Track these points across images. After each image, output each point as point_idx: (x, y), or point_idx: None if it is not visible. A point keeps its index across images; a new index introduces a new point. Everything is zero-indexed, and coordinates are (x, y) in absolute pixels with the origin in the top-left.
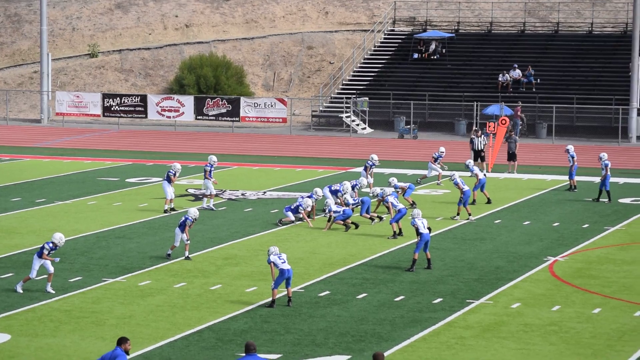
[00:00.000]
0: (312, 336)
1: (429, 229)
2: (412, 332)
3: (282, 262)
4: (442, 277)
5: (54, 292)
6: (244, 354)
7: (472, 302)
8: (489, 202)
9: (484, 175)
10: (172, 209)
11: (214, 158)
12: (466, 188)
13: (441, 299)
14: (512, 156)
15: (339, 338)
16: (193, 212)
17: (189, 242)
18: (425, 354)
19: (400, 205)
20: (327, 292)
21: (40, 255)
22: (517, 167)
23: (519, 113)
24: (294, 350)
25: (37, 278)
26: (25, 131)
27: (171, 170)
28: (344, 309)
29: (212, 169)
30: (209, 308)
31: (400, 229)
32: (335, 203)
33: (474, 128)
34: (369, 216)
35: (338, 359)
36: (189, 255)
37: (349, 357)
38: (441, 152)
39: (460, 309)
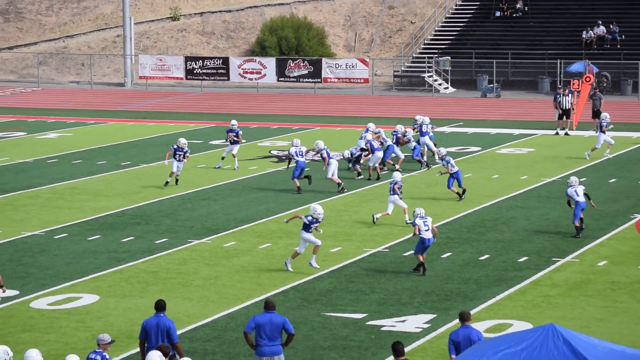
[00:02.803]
0: (398, 295)
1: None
2: (498, 290)
3: (426, 230)
4: (527, 235)
5: (318, 266)
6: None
7: (558, 261)
8: (460, 197)
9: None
10: (176, 182)
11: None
12: (456, 169)
13: (526, 258)
14: (596, 114)
15: (424, 297)
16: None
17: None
18: (511, 312)
19: (456, 168)
20: (412, 252)
21: (307, 229)
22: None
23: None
24: (379, 309)
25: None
26: (110, 95)
27: (174, 146)
28: (429, 268)
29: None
30: (294, 268)
31: (464, 190)
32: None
33: (559, 86)
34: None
35: (424, 318)
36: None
37: (435, 315)
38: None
39: (546, 267)
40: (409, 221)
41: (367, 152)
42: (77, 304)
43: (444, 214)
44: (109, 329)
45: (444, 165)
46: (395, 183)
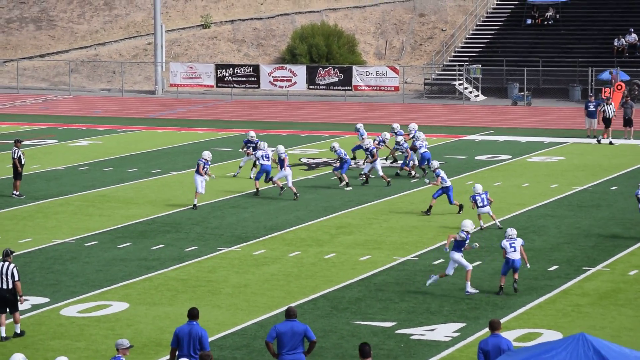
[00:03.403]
0: (427, 304)
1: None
2: (528, 299)
3: (513, 251)
4: (557, 244)
5: (474, 291)
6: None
7: (589, 270)
8: (460, 210)
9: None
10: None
11: (252, 133)
12: (448, 184)
13: (557, 267)
14: (628, 122)
15: (454, 306)
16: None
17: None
18: (541, 321)
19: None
20: (441, 260)
21: (459, 248)
22: (634, 133)
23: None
24: (408, 318)
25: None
26: (140, 102)
27: (201, 160)
28: (459, 276)
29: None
30: (323, 277)
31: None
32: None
33: (590, 94)
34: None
35: (453, 327)
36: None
37: (464, 324)
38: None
39: (577, 276)
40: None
41: (370, 158)
42: (107, 311)
43: (474, 222)
44: (138, 337)
45: (434, 177)
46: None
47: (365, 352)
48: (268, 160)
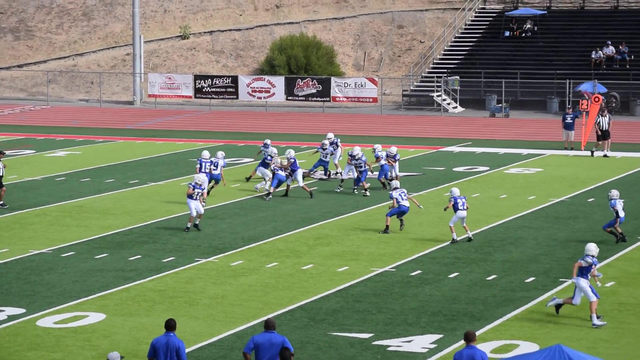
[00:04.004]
0: (404, 315)
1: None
2: (505, 311)
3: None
4: (535, 255)
5: (602, 324)
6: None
7: (565, 281)
8: (401, 226)
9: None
10: (195, 226)
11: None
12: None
13: (534, 278)
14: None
15: (431, 317)
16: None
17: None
18: (517, 332)
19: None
20: (419, 272)
21: (585, 274)
22: (610, 145)
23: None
24: (385, 329)
25: None
26: (118, 113)
27: (192, 183)
28: (436, 288)
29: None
30: (301, 288)
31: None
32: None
33: (567, 106)
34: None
35: (430, 338)
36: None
37: (441, 336)
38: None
39: (553, 287)
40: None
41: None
42: (83, 322)
43: (450, 234)
44: (115, 348)
45: (390, 198)
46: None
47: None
48: (216, 169)
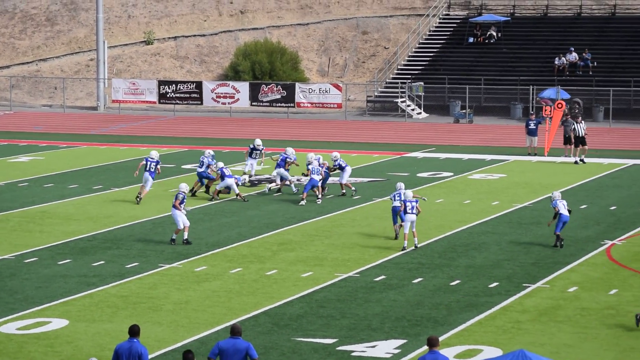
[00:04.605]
0: (368, 321)
1: None
2: (468, 316)
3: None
4: (498, 261)
5: None
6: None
7: (529, 286)
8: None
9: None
10: (186, 241)
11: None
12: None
13: (497, 283)
14: (568, 140)
15: (395, 323)
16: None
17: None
18: (481, 338)
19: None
20: (383, 277)
21: None
22: (574, 151)
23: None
24: (349, 334)
25: None
26: (82, 118)
27: (180, 193)
28: (400, 293)
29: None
30: (265, 293)
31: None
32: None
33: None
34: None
35: (394, 343)
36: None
37: (405, 341)
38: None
39: (517, 293)
40: None
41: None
42: (46, 328)
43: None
44: (78, 354)
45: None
46: None
47: None
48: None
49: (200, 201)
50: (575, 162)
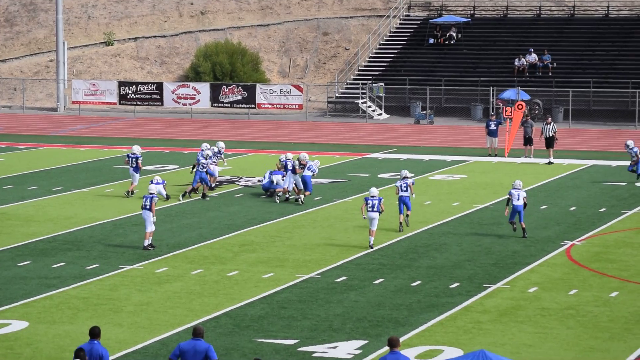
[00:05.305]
0: (329, 322)
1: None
2: (429, 317)
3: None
4: (459, 261)
5: None
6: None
7: (489, 287)
8: None
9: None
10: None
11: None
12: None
13: (458, 284)
14: (528, 140)
15: (356, 323)
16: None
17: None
18: (442, 338)
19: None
20: (344, 278)
21: None
22: (534, 152)
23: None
24: (311, 335)
25: None
26: (42, 120)
27: (155, 196)
28: (361, 294)
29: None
30: (226, 294)
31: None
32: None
33: (491, 113)
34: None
35: (355, 344)
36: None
37: (366, 342)
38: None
39: (477, 293)
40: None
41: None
42: (5, 330)
43: (376, 240)
44: (38, 356)
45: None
46: None
47: None
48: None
49: (164, 203)
50: (549, 163)
